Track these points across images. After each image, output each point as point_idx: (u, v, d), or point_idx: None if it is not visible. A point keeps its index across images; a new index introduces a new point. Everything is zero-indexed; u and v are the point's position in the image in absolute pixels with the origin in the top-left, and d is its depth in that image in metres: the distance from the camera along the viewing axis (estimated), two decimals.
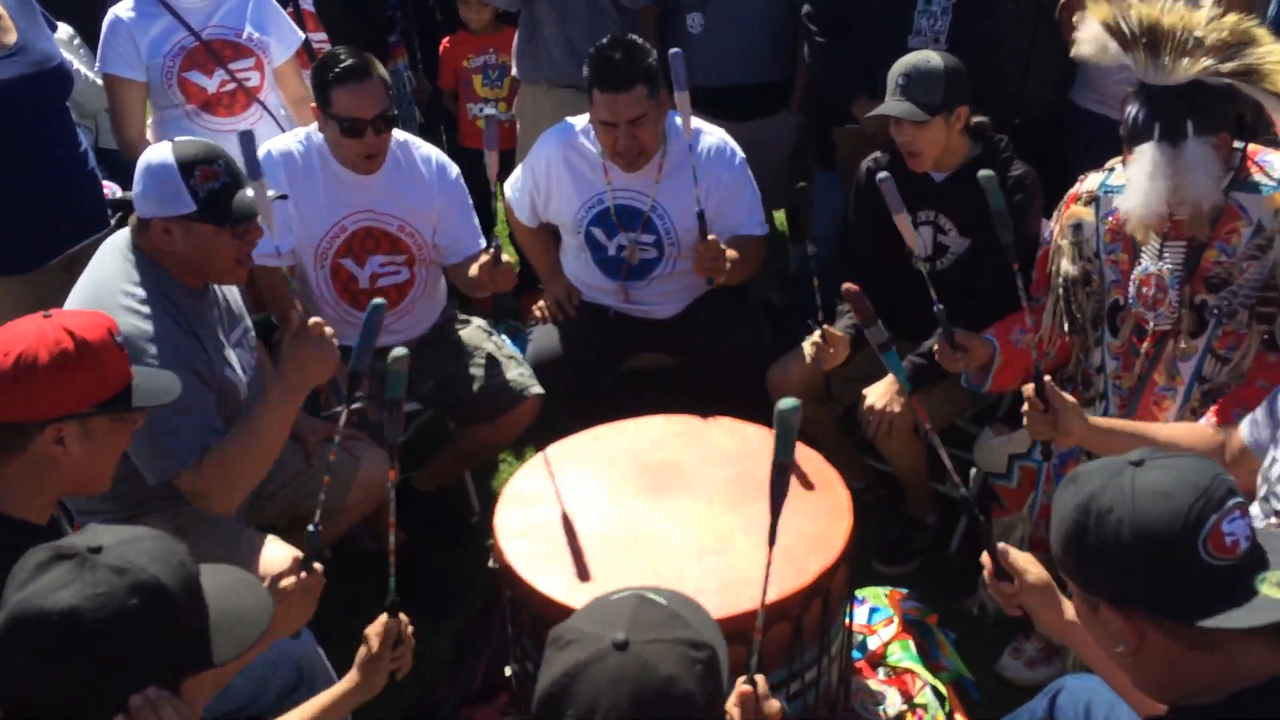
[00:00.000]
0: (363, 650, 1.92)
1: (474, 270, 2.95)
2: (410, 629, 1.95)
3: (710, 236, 3.03)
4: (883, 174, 2.62)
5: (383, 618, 1.93)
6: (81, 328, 1.83)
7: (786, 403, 1.68)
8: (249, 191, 2.38)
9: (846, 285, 2.42)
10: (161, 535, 1.42)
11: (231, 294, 2.65)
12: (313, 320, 2.37)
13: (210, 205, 2.37)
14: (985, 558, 1.89)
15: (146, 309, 2.35)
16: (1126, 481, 1.31)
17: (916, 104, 2.84)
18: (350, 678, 1.91)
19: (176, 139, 2.45)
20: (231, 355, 2.55)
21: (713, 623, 1.43)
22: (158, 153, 2.40)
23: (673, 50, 2.94)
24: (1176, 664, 1.32)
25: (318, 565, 1.97)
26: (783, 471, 1.67)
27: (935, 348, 2.75)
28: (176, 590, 1.36)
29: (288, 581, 1.93)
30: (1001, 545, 1.87)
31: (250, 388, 2.59)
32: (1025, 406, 2.27)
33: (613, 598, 1.40)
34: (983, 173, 2.34)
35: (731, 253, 3.07)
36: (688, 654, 1.30)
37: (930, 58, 2.88)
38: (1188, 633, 1.29)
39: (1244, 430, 2.14)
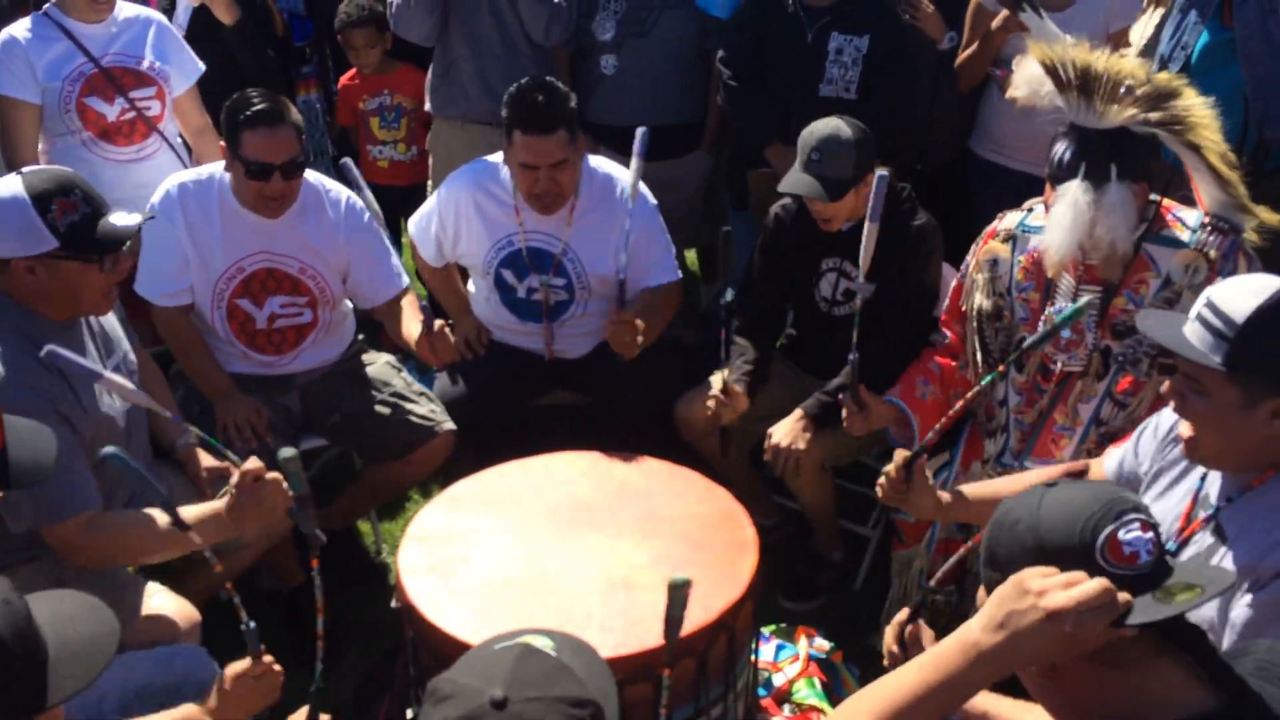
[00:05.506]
0: None
1: (414, 344, 2.99)
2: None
3: (624, 313, 3.00)
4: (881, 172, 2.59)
5: (303, 710, 1.90)
6: None
7: (678, 578, 1.72)
8: (113, 218, 2.28)
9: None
10: None
11: (107, 319, 2.53)
12: (246, 468, 2.24)
13: (74, 239, 2.24)
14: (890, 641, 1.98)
15: None
16: (1035, 499, 1.40)
17: (828, 181, 2.86)
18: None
19: (24, 170, 2.30)
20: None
21: (604, 669, 1.36)
22: (6, 187, 2.23)
23: (640, 129, 2.97)
24: (1089, 685, 1.34)
25: (268, 658, 1.98)
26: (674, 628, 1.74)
27: (840, 398, 2.76)
28: (7, 636, 1.26)
29: (237, 669, 1.95)
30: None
31: (128, 415, 2.49)
32: (884, 477, 2.26)
33: (496, 646, 1.32)
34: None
35: (640, 324, 3.02)
36: (568, 713, 1.22)
37: (840, 130, 2.87)
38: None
39: (1108, 465, 2.18)
